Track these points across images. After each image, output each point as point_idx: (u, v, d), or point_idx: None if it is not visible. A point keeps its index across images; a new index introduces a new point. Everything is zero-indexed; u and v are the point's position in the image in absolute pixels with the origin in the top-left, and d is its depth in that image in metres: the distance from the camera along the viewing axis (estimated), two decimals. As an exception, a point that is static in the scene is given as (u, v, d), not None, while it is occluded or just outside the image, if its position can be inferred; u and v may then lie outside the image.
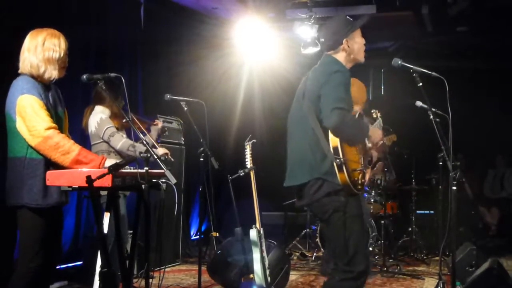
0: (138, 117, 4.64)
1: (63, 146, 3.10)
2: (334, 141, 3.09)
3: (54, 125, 3.14)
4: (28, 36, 3.27)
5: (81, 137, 4.79)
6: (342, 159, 3.05)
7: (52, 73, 3.23)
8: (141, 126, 4.51)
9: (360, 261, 3.15)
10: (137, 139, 4.31)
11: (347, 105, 3.11)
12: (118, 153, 4.36)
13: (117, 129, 4.43)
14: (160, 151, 4.44)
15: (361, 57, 3.38)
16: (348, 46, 3.29)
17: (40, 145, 3.09)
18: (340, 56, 3.30)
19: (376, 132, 3.39)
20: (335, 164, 3.06)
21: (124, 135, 4.44)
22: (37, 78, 3.21)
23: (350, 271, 3.14)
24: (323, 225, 3.34)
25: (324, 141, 3.10)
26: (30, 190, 3.11)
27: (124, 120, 3.56)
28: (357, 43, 3.34)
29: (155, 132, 4.77)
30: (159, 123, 4.85)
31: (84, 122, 4.44)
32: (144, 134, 4.50)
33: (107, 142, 4.32)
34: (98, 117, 4.34)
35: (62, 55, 3.25)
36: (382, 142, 3.46)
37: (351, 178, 3.10)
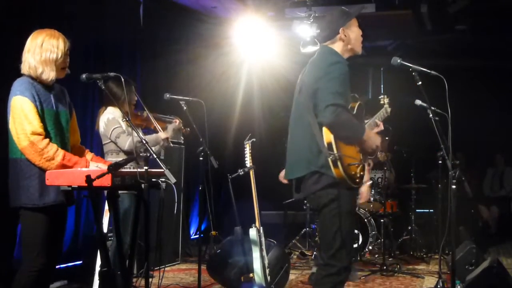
0: (157, 116, 4.62)
1: (47, 153, 3.12)
2: (327, 136, 3.07)
3: (40, 130, 3.13)
4: (30, 37, 3.28)
5: (82, 136, 4.79)
6: (336, 155, 3.02)
7: (50, 74, 3.22)
8: (157, 125, 4.48)
9: (344, 257, 3.16)
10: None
11: (344, 99, 3.08)
12: (127, 153, 4.32)
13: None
14: (162, 135, 4.41)
15: (358, 47, 3.36)
16: (345, 35, 3.28)
17: (26, 149, 3.10)
18: (337, 46, 3.29)
19: (371, 138, 3.27)
20: (329, 160, 3.04)
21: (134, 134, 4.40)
22: (36, 79, 3.22)
23: (332, 265, 3.15)
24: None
25: (320, 136, 3.09)
26: (27, 190, 3.13)
27: (127, 119, 3.53)
28: (354, 32, 3.32)
29: (171, 130, 4.64)
30: (177, 121, 4.73)
31: (96, 123, 4.44)
32: (152, 132, 4.48)
33: (115, 143, 4.31)
34: (106, 117, 4.33)
35: (60, 56, 3.25)
36: (378, 148, 3.37)
37: (347, 173, 3.08)
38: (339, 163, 3.04)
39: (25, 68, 3.23)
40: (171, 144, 4.66)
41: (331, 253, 3.16)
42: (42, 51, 3.21)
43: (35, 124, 3.11)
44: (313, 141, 3.13)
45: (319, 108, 3.07)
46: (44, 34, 3.26)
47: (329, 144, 3.06)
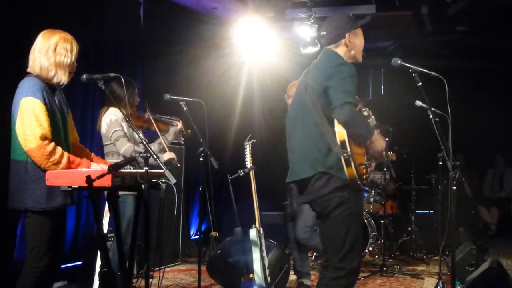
0: (158, 117, 4.60)
1: (54, 156, 3.10)
2: (341, 135, 3.04)
3: (49, 134, 3.12)
4: (41, 36, 3.25)
5: (82, 137, 4.79)
6: (349, 153, 3.01)
7: (62, 77, 3.22)
8: (156, 127, 4.47)
9: (353, 259, 3.15)
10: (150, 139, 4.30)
11: (355, 99, 3.09)
12: (124, 157, 4.32)
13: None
14: (166, 155, 4.39)
15: (359, 56, 3.37)
16: (350, 41, 3.29)
17: (33, 152, 3.07)
18: (341, 51, 3.29)
19: (378, 140, 3.32)
20: (342, 158, 3.02)
21: (132, 139, 4.40)
22: (45, 80, 3.20)
23: (342, 268, 3.14)
24: (321, 221, 3.30)
25: (331, 134, 3.06)
26: (33, 193, 3.10)
27: (127, 120, 3.53)
28: (358, 40, 3.34)
29: (172, 133, 4.64)
30: (179, 124, 4.72)
31: (98, 123, 4.44)
32: (156, 136, 4.46)
33: (114, 145, 4.31)
34: (108, 119, 4.32)
35: (73, 60, 3.25)
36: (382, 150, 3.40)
37: (358, 172, 3.06)
38: (352, 162, 3.02)
39: (35, 68, 3.20)
40: (178, 165, 4.62)
41: (341, 256, 3.14)
42: (56, 55, 3.20)
43: (46, 127, 3.09)
44: (321, 140, 3.10)
45: (334, 106, 3.03)
46: (58, 37, 3.23)
47: (343, 143, 3.03)
